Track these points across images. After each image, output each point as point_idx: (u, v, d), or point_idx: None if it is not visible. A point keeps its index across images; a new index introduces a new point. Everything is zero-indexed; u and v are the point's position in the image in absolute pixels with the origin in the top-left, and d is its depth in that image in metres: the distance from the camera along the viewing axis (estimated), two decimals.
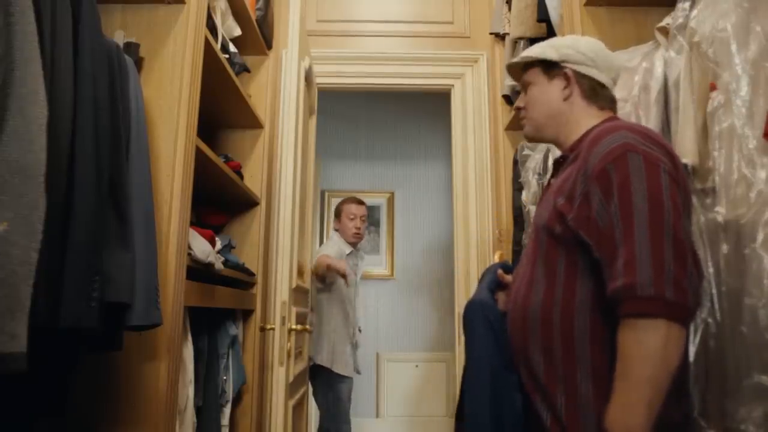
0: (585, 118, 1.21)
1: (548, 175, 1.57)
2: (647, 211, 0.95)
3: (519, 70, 1.32)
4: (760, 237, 1.05)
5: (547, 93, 1.25)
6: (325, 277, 2.86)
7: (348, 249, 3.04)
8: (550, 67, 1.24)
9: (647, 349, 0.91)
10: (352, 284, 3.07)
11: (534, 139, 1.31)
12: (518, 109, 1.32)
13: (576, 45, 1.23)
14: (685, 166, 1.28)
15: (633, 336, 0.92)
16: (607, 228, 0.98)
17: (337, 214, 3.13)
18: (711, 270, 1.20)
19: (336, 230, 3.13)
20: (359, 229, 3.05)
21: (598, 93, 1.22)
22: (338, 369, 2.88)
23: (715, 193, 1.18)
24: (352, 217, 3.04)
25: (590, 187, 1.02)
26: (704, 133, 1.24)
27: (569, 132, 1.22)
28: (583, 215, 1.03)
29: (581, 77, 1.21)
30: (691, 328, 1.24)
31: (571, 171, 1.11)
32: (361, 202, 3.13)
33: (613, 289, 0.96)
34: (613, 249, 0.97)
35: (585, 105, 1.21)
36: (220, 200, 2.38)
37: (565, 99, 1.22)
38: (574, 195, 1.06)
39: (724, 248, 1.14)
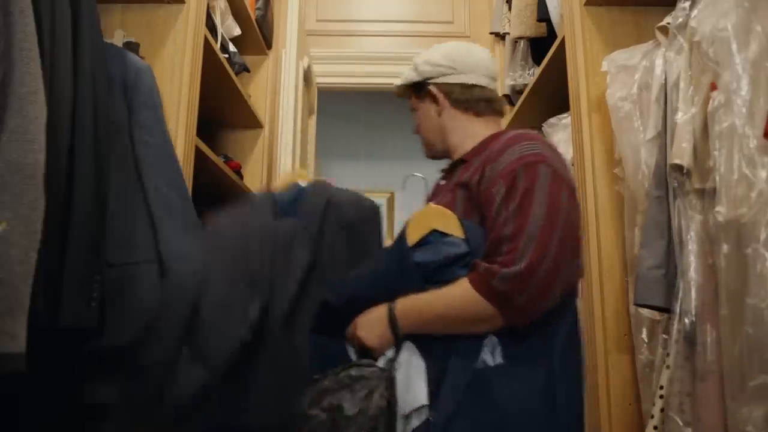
0: (470, 125, 1.22)
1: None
2: (542, 220, 0.97)
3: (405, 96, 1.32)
4: (762, 236, 1.05)
5: (425, 114, 1.26)
6: None
7: None
8: (419, 89, 1.25)
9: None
10: None
11: (434, 158, 1.31)
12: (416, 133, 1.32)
13: (431, 58, 1.24)
14: (680, 167, 1.28)
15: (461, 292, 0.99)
16: (499, 224, 1.00)
17: None
18: (702, 271, 1.20)
19: None
20: None
21: (468, 97, 1.21)
22: None
23: (715, 193, 1.18)
24: None
25: (495, 182, 1.03)
26: (704, 133, 1.24)
27: (460, 140, 1.22)
28: (484, 198, 1.05)
29: (445, 87, 1.22)
30: (684, 329, 1.24)
31: (475, 169, 1.11)
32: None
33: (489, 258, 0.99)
34: (500, 238, 0.99)
35: (460, 113, 1.22)
36: (220, 200, 2.38)
37: (439, 114, 1.23)
38: (473, 185, 1.08)
39: (725, 248, 1.13)
